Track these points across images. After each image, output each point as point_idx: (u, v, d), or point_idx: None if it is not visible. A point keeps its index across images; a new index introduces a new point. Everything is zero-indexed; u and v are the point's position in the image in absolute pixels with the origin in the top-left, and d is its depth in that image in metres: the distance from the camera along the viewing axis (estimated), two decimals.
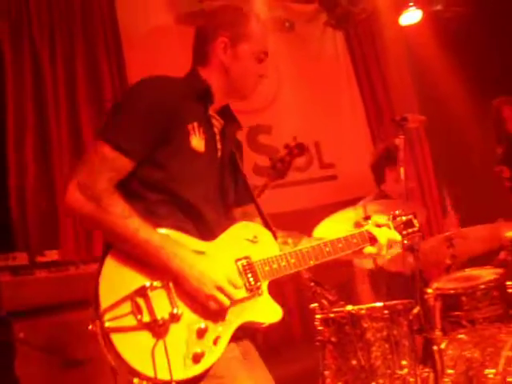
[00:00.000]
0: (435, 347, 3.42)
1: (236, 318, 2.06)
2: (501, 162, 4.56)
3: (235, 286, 2.02)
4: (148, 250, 1.92)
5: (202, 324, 1.97)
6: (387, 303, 3.43)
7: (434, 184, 6.44)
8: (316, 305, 3.67)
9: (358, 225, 3.82)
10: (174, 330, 1.91)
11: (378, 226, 2.45)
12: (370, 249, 2.41)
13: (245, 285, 2.09)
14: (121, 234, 1.91)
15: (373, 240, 2.41)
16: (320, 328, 3.63)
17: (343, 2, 5.95)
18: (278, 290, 5.65)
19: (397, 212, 2.56)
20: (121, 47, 5.30)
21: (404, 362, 3.40)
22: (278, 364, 4.76)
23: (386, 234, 2.43)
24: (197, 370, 1.93)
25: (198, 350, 1.93)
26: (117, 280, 1.90)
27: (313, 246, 2.28)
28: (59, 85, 4.82)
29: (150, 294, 1.89)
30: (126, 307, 1.87)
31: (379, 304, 3.48)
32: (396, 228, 2.51)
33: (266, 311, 2.17)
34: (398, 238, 2.48)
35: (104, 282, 1.88)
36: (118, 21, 5.35)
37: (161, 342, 1.87)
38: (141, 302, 1.88)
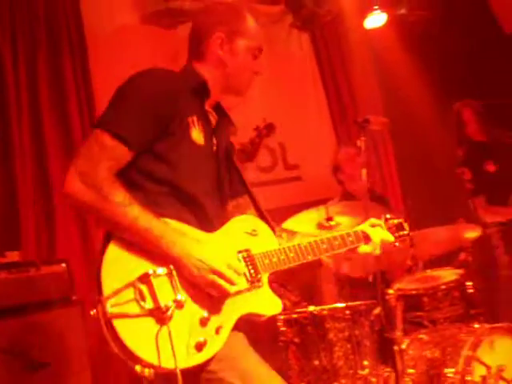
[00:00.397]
0: (396, 347, 3.46)
1: (237, 309, 2.08)
2: (462, 164, 4.63)
3: (236, 272, 2.01)
4: (148, 238, 1.92)
5: (205, 313, 1.97)
6: (349, 304, 3.47)
7: (398, 185, 6.50)
8: None
9: (320, 226, 3.87)
10: (177, 317, 1.90)
11: (373, 226, 2.52)
12: (364, 247, 2.47)
13: (245, 276, 2.10)
14: (120, 222, 1.91)
15: (367, 239, 2.47)
16: (283, 329, 3.66)
17: (309, 3, 5.97)
18: None
19: (388, 216, 2.64)
20: (85, 48, 5.23)
21: (366, 363, 3.45)
22: None
23: (380, 234, 2.51)
24: (199, 358, 1.93)
25: (201, 339, 1.93)
26: (119, 266, 1.90)
27: (310, 242, 2.32)
28: (21, 88, 4.72)
29: (154, 280, 1.89)
30: (129, 294, 1.87)
31: (341, 305, 3.52)
32: (388, 230, 2.58)
33: (267, 304, 2.18)
34: (391, 238, 2.56)
35: (106, 268, 1.88)
36: (83, 21, 5.28)
37: (164, 329, 1.86)
38: (144, 288, 1.88)
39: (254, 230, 2.24)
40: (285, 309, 3.70)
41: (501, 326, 3.49)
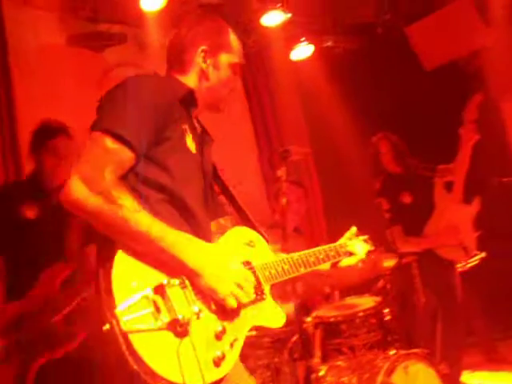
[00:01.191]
0: (313, 375, 3.48)
1: (247, 322, 2.03)
2: (379, 195, 4.75)
3: (252, 284, 1.97)
4: (160, 247, 1.81)
5: (220, 326, 1.90)
6: (268, 331, 3.47)
7: (322, 215, 6.60)
8: None
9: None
10: (195, 330, 1.81)
11: (350, 239, 2.61)
12: (347, 260, 2.55)
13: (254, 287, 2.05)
14: (133, 229, 1.78)
15: (349, 253, 2.54)
16: None
17: (236, 32, 6.04)
18: None
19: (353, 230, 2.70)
20: (8, 67, 5.12)
21: None
22: None
23: (364, 246, 2.61)
24: (218, 374, 1.86)
25: (219, 353, 1.86)
26: (130, 277, 1.77)
27: (300, 255, 2.34)
28: None
29: (169, 291, 1.79)
30: (144, 306, 1.75)
31: (259, 332, 3.52)
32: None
33: (273, 316, 2.16)
34: (371, 247, 2.66)
35: (116, 279, 1.74)
36: (7, 39, 5.17)
37: (184, 344, 1.76)
38: (159, 300, 1.77)
39: (251, 242, 2.23)
40: None
41: (415, 352, 3.59)
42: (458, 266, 4.51)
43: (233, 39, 2.31)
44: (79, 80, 5.61)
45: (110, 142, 1.85)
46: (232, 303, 1.89)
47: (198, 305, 1.85)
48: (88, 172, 1.80)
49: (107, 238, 1.84)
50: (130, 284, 1.76)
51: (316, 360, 3.56)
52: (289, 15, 5.75)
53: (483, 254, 4.57)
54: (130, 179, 1.93)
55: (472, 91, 6.16)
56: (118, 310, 1.71)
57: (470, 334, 5.25)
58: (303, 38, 6.11)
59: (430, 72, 6.29)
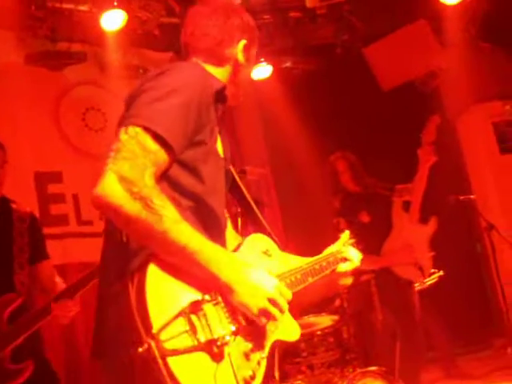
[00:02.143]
0: None
1: (270, 337, 1.90)
2: (337, 215, 4.80)
3: (285, 299, 1.82)
4: (196, 261, 1.66)
5: (249, 344, 1.78)
6: None
7: (281, 234, 6.62)
8: None
9: None
10: (229, 350, 1.68)
11: (345, 245, 2.52)
12: (343, 266, 2.45)
13: None
14: (171, 240, 1.62)
15: (344, 259, 2.46)
16: None
17: None
18: None
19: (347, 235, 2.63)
20: None
21: None
22: None
23: (357, 252, 2.53)
24: None
25: (250, 373, 1.74)
26: (163, 293, 1.62)
27: (307, 264, 2.24)
28: None
29: (205, 309, 1.66)
30: (180, 325, 1.60)
31: None
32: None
33: (290, 329, 2.05)
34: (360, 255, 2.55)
35: (151, 295, 1.57)
36: None
37: (222, 364, 1.64)
38: (195, 319, 1.63)
39: (268, 250, 2.11)
40: None
41: (373, 370, 3.62)
42: (416, 284, 4.56)
43: (257, 34, 2.20)
44: (37, 99, 5.58)
45: (150, 142, 1.68)
46: (263, 321, 1.77)
47: (231, 322, 1.73)
48: (127, 172, 1.62)
49: (128, 250, 1.71)
50: (164, 301, 1.62)
51: (275, 379, 3.56)
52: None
53: (441, 273, 4.63)
54: (162, 184, 1.74)
55: (429, 111, 6.34)
56: (156, 330, 1.55)
57: (430, 350, 5.33)
58: (262, 59, 6.16)
59: (388, 92, 6.40)
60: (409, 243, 4.59)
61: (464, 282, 6.25)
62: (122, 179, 1.60)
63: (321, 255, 2.39)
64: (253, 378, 1.75)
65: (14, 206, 3.34)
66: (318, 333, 3.87)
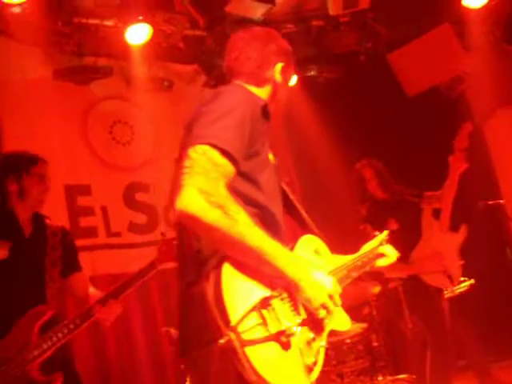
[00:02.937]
0: None
1: (327, 327, 2.10)
2: (364, 221, 4.77)
3: (338, 294, 2.05)
4: (266, 260, 1.87)
5: (311, 334, 1.99)
6: None
7: None
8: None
9: None
10: (295, 339, 1.89)
11: (381, 244, 2.72)
12: (381, 261, 2.67)
13: None
14: (247, 243, 1.83)
15: (381, 255, 2.67)
16: None
17: (221, 63, 6.11)
18: (154, 350, 5.51)
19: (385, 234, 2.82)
20: None
21: None
22: None
23: (394, 250, 2.73)
24: (312, 378, 1.94)
25: (312, 360, 1.94)
26: (237, 290, 1.83)
27: (350, 260, 2.46)
28: None
29: (274, 303, 1.88)
30: (253, 319, 1.81)
31: None
32: None
33: (341, 320, 2.25)
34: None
35: (226, 293, 1.79)
36: None
37: (290, 352, 1.85)
38: (265, 312, 1.84)
39: (318, 250, 2.30)
40: None
41: (403, 378, 3.60)
42: (446, 292, 4.51)
43: (293, 58, 2.42)
44: (65, 113, 5.68)
45: (218, 157, 1.88)
46: (323, 313, 1.98)
47: (296, 315, 1.95)
48: (203, 185, 1.81)
49: (202, 255, 1.93)
50: (238, 297, 1.82)
51: None
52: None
53: (472, 281, 4.59)
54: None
55: (455, 116, 6.29)
56: (234, 323, 1.75)
57: (461, 358, 5.26)
58: None
59: (413, 98, 6.37)
60: (438, 251, 4.55)
61: (495, 288, 6.17)
62: (201, 191, 1.80)
63: (360, 252, 2.59)
64: (315, 364, 1.96)
65: (47, 221, 3.43)
66: (348, 341, 3.86)
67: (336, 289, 2.03)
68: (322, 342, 2.04)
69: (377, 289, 3.99)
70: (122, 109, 6.09)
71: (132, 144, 6.03)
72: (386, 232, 2.77)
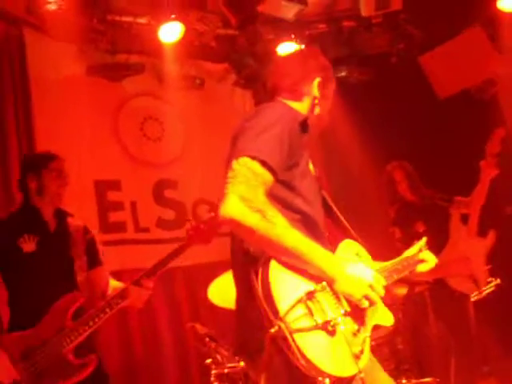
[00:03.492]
0: None
1: (370, 321, 2.24)
2: (393, 224, 4.76)
3: (381, 285, 2.16)
4: (305, 259, 2.02)
5: (355, 325, 2.13)
6: None
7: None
8: (211, 360, 3.70)
9: None
10: (339, 329, 2.01)
11: (421, 250, 2.77)
12: (421, 267, 2.73)
13: None
14: (284, 244, 1.99)
15: (421, 261, 2.73)
16: (215, 383, 3.65)
17: (252, 63, 6.15)
18: (179, 345, 5.59)
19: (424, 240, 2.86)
20: (29, 97, 5.27)
21: None
22: None
23: (433, 256, 2.79)
24: (360, 365, 2.04)
25: (359, 348, 2.08)
26: (283, 286, 1.98)
27: (392, 263, 2.57)
28: None
29: (318, 296, 2.02)
30: (300, 310, 1.96)
31: None
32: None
33: (384, 316, 2.40)
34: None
35: (274, 288, 1.95)
36: (28, 69, 5.32)
37: (336, 340, 1.98)
38: (311, 304, 1.98)
39: (358, 253, 2.43)
40: (217, 363, 3.71)
41: (426, 381, 3.59)
42: (473, 294, 4.48)
43: (333, 75, 2.55)
44: (96, 109, 5.75)
45: (258, 167, 2.06)
46: (365, 304, 2.09)
47: (339, 307, 2.08)
48: (244, 192, 2.00)
49: (252, 257, 2.08)
50: (285, 291, 1.98)
51: None
52: (302, 46, 5.85)
53: (498, 281, 4.55)
54: (270, 200, 2.12)
55: (486, 120, 6.23)
56: (283, 314, 1.91)
57: (486, 363, 5.22)
58: None
59: (444, 101, 6.33)
60: (465, 256, 4.52)
61: None
62: (242, 198, 1.98)
63: (400, 257, 2.68)
64: (361, 352, 2.08)
65: (69, 218, 3.59)
66: (372, 343, 3.84)
67: (378, 279, 2.15)
68: (367, 333, 2.17)
69: (403, 291, 3.98)
70: (153, 106, 6.15)
71: (162, 141, 6.09)
72: (424, 238, 2.81)
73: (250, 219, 1.96)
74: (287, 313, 1.91)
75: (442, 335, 4.32)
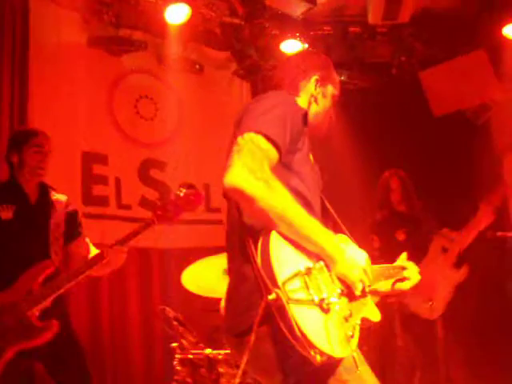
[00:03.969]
0: None
1: (360, 311, 2.22)
2: (375, 229, 4.79)
3: (371, 273, 2.18)
4: (304, 234, 2.01)
5: (348, 308, 2.09)
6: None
7: None
8: (176, 344, 3.71)
9: (226, 272, 3.95)
10: (333, 309, 1.99)
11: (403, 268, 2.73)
12: (401, 284, 2.69)
13: None
14: (287, 215, 1.98)
15: (404, 278, 2.69)
16: (178, 368, 3.67)
17: (254, 54, 6.15)
18: (146, 326, 5.59)
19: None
20: (27, 60, 5.23)
21: None
22: None
23: (416, 273, 2.73)
24: (349, 350, 2.02)
25: (350, 332, 2.04)
26: (282, 257, 1.97)
27: (381, 267, 2.59)
28: None
29: (315, 273, 1.99)
30: (297, 282, 1.94)
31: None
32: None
33: (372, 311, 2.38)
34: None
35: (274, 257, 1.94)
36: (30, 33, 5.27)
37: (329, 318, 1.95)
38: (308, 280, 1.96)
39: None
40: (182, 348, 3.72)
41: None
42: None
43: (336, 75, 2.59)
44: (93, 81, 5.71)
45: (263, 142, 2.07)
46: (359, 288, 2.11)
47: (335, 287, 2.07)
48: (250, 163, 2.00)
49: (250, 227, 2.07)
50: (284, 262, 1.96)
51: None
52: (306, 45, 5.86)
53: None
54: None
55: (476, 143, 6.29)
56: (282, 281, 1.89)
57: (450, 382, 5.28)
58: None
59: (438, 118, 6.38)
60: (434, 281, 4.54)
61: (488, 317, 6.15)
62: (247, 168, 1.98)
63: (387, 265, 2.68)
64: (352, 337, 2.06)
65: (52, 191, 3.74)
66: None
67: (369, 264, 2.18)
68: (357, 320, 2.14)
69: (376, 299, 4.00)
70: (150, 85, 6.12)
71: (155, 121, 6.07)
72: (404, 254, 2.80)
73: (255, 188, 1.96)
74: (285, 282, 1.90)
75: (408, 348, 4.35)
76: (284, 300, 1.86)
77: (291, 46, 5.94)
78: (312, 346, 1.88)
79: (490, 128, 6.63)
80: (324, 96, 2.49)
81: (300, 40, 5.90)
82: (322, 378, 2.02)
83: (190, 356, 3.61)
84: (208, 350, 3.57)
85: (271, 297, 1.87)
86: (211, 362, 3.52)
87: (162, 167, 6.03)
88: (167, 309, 3.84)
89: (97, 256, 3.45)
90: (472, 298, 4.72)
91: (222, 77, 6.51)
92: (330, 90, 2.52)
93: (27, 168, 3.59)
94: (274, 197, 1.98)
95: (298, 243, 2.04)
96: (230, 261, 2.27)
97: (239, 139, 2.09)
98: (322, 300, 1.96)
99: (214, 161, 6.18)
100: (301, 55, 2.72)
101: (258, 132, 2.08)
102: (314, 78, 2.47)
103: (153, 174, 5.97)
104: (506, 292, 6.07)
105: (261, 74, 6.46)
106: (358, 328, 2.13)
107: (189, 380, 3.60)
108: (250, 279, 2.02)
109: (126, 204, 5.75)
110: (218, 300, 4.71)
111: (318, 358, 1.88)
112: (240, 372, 2.10)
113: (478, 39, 6.08)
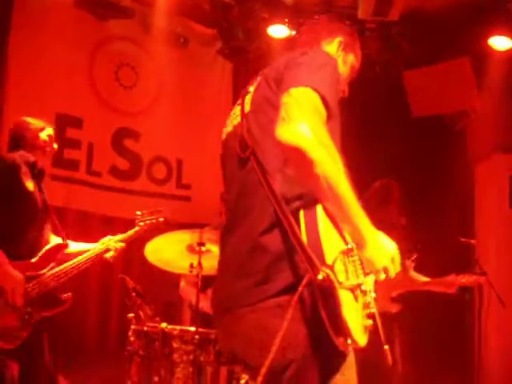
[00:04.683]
0: (234, 381, 3.52)
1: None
2: None
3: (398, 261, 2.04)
4: (350, 212, 1.84)
5: (369, 297, 1.95)
6: (200, 329, 3.52)
7: None
8: (133, 315, 3.70)
9: (190, 249, 3.94)
10: (361, 296, 1.91)
11: None
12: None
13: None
14: (340, 189, 1.81)
15: None
16: (132, 339, 3.66)
17: (240, 35, 6.10)
18: (103, 294, 5.56)
19: None
20: (10, 23, 5.15)
21: None
22: (89, 368, 4.71)
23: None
24: (366, 340, 1.90)
25: (369, 322, 1.91)
26: (327, 234, 1.82)
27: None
28: None
29: (355, 256, 1.90)
30: (340, 264, 1.80)
31: (192, 328, 3.57)
32: None
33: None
34: None
35: (321, 232, 1.79)
36: None
37: (358, 306, 1.86)
38: (347, 262, 1.86)
39: None
40: (138, 320, 3.71)
41: None
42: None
43: (359, 51, 2.50)
44: (76, 44, 5.64)
45: (319, 102, 1.89)
46: (383, 276, 1.96)
47: (362, 273, 1.95)
48: (314, 123, 1.82)
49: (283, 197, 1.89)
50: (327, 239, 1.81)
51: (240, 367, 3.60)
52: (293, 32, 5.84)
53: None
54: None
55: (450, 148, 6.35)
56: (331, 260, 1.76)
57: None
58: None
59: (415, 119, 6.44)
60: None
61: (445, 327, 6.21)
62: (311, 128, 1.80)
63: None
64: (369, 327, 1.92)
65: None
66: None
67: (397, 254, 2.00)
68: (373, 309, 1.97)
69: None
70: (132, 53, 6.06)
71: (134, 90, 6.01)
72: None
73: (317, 152, 1.78)
74: (334, 262, 1.76)
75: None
76: (335, 281, 1.73)
77: (279, 31, 5.91)
78: (349, 334, 1.77)
79: (465, 135, 6.71)
80: (344, 62, 2.40)
81: (288, 26, 5.86)
82: (333, 368, 1.89)
83: (145, 328, 3.60)
84: (163, 324, 3.56)
85: (320, 276, 1.71)
86: (166, 337, 3.52)
87: (137, 137, 5.98)
88: (127, 278, 3.82)
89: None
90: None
91: (206, 53, 6.46)
92: (351, 59, 2.43)
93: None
94: (333, 167, 1.80)
95: (335, 221, 1.89)
96: (234, 228, 2.06)
97: (293, 91, 1.90)
98: (358, 285, 1.88)
99: (189, 137, 6.15)
100: (330, 16, 2.61)
101: (314, 89, 1.89)
102: (337, 39, 2.40)
103: (126, 143, 5.93)
104: (462, 299, 6.15)
105: (245, 56, 6.42)
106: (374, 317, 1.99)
107: (141, 352, 3.59)
108: (271, 251, 1.87)
109: (97, 171, 5.71)
110: (178, 275, 4.74)
111: (351, 346, 1.80)
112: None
113: (464, 46, 6.12)
